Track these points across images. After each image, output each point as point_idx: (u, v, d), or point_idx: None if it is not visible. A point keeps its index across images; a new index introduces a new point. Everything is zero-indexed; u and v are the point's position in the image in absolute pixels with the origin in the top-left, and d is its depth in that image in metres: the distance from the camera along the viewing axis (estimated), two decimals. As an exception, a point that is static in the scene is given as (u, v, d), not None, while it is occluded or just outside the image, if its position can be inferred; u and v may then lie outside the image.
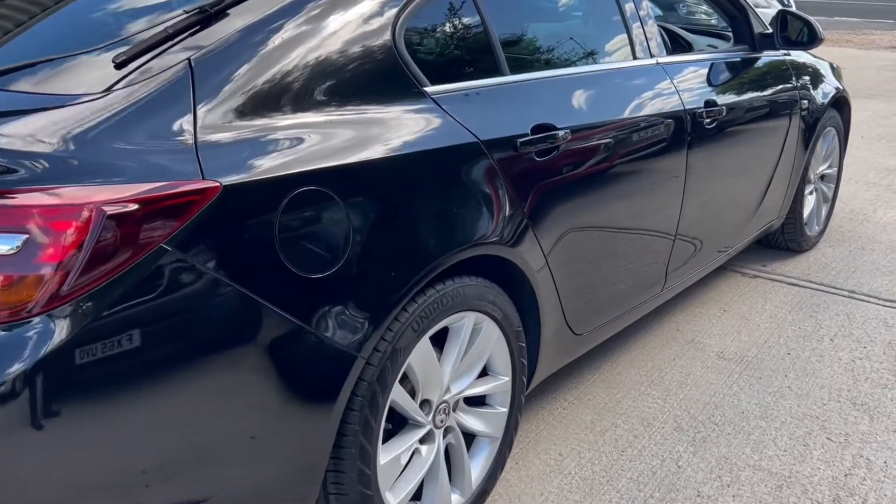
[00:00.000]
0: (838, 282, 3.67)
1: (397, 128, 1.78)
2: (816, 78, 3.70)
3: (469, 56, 2.08)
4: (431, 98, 1.87)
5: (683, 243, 2.85)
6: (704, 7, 4.04)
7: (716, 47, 3.51)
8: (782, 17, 3.23)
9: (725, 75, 3.03)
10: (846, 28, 16.02)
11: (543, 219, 2.11)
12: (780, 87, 3.34)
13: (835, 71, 4.01)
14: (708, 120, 2.75)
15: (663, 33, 3.33)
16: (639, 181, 2.46)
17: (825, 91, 3.74)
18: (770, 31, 3.29)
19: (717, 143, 2.87)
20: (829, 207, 4.17)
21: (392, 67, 1.83)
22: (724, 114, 2.85)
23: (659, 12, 3.63)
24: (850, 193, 4.98)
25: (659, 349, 3.06)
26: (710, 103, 2.78)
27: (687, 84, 2.73)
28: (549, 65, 2.32)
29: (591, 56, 2.51)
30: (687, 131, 2.64)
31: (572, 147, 2.16)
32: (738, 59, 3.19)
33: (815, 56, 4.04)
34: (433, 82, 1.90)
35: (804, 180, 3.75)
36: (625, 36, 2.57)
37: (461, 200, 1.88)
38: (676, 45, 3.56)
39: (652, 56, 2.63)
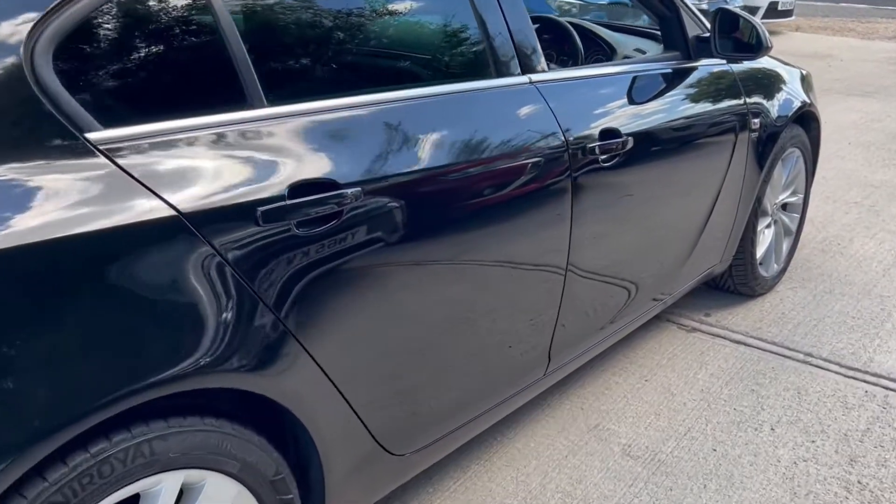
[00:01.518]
0: (794, 340, 3.00)
1: (28, 198, 1.13)
2: (774, 90, 3.01)
3: (185, 80, 1.42)
4: (98, 149, 1.22)
5: (574, 311, 2.20)
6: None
7: (647, 53, 2.84)
8: (720, 18, 2.54)
9: (642, 93, 2.35)
10: (850, 15, 15.23)
11: (319, 316, 1.46)
12: (721, 104, 2.67)
13: (803, 80, 3.32)
14: (604, 156, 2.09)
15: (574, 38, 2.68)
16: (487, 244, 1.80)
17: (786, 106, 3.06)
18: (709, 34, 2.62)
19: (622, 182, 2.20)
20: (793, 241, 3.50)
21: (28, 104, 1.17)
22: (631, 145, 2.18)
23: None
24: (825, 217, 4.31)
25: (551, 439, 2.41)
26: (608, 133, 2.11)
27: (576, 109, 2.06)
28: (335, 89, 1.64)
29: (411, 75, 1.84)
30: (569, 172, 1.98)
31: (364, 209, 1.50)
32: (665, 71, 2.51)
33: (779, 61, 3.36)
34: (107, 125, 1.24)
35: (757, 213, 3.08)
36: (481, 46, 1.90)
37: (148, 309, 1.23)
38: (598, 51, 2.89)
39: (523, 72, 1.96)
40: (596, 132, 2.08)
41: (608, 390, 2.67)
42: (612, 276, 2.31)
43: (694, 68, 2.62)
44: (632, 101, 2.29)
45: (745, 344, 2.98)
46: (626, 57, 2.83)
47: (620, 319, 2.51)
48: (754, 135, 2.86)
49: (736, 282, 3.22)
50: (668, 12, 2.58)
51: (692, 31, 2.63)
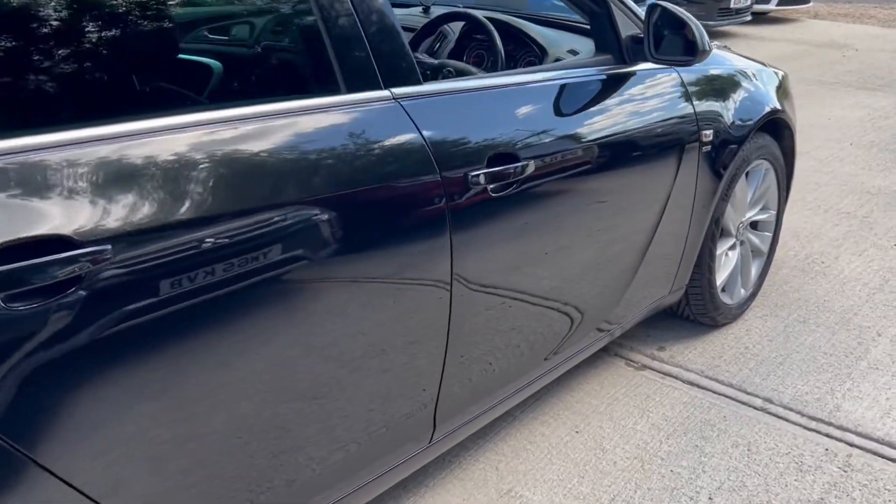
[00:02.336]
0: (754, 381, 2.65)
1: None
2: (734, 96, 2.65)
3: None
4: None
5: (464, 368, 1.86)
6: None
7: (579, 53, 2.48)
8: (653, 15, 2.18)
9: (559, 106, 2.00)
10: (874, 1, 14.62)
11: (63, 421, 1.14)
12: (661, 115, 2.31)
13: (776, 83, 2.95)
14: (495, 185, 1.74)
15: (494, 38, 2.33)
16: (334, 295, 1.47)
17: (750, 113, 2.69)
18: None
19: (523, 213, 1.86)
20: (765, 262, 3.13)
21: None
22: (532, 169, 1.83)
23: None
24: (812, 229, 3.92)
25: (452, 507, 2.08)
26: (502, 158, 1.76)
27: (457, 129, 1.71)
28: (77, 116, 1.26)
29: (218, 91, 1.51)
30: (444, 209, 1.64)
31: (114, 271, 1.17)
32: (591, 79, 2.15)
33: (753, 61, 2.99)
34: None
35: (715, 236, 2.72)
36: (317, 54, 1.56)
37: None
38: (529, 53, 2.54)
39: (386, 86, 1.62)
40: (484, 157, 1.73)
41: (531, 444, 2.33)
42: (513, 326, 1.97)
43: (628, 74, 2.26)
44: (544, 117, 1.94)
45: (698, 386, 2.63)
46: (557, 59, 2.47)
47: (540, 368, 2.17)
48: (706, 149, 2.50)
49: (694, 311, 2.87)
50: (597, 7, 2.22)
51: (627, 30, 2.27)
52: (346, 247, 1.47)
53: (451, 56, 2.66)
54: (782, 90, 3.00)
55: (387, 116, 1.59)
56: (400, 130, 1.59)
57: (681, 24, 2.12)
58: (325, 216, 1.43)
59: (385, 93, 1.61)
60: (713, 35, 10.04)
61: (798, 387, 2.62)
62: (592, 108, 2.11)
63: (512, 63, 2.58)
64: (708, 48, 2.12)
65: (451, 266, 1.68)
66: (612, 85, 2.20)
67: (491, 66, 2.39)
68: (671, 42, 2.17)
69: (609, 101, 2.17)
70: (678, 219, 2.48)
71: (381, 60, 1.61)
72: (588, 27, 2.41)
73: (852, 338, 2.92)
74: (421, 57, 2.50)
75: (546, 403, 2.50)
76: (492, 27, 2.37)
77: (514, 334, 1.99)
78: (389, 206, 1.54)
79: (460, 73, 2.38)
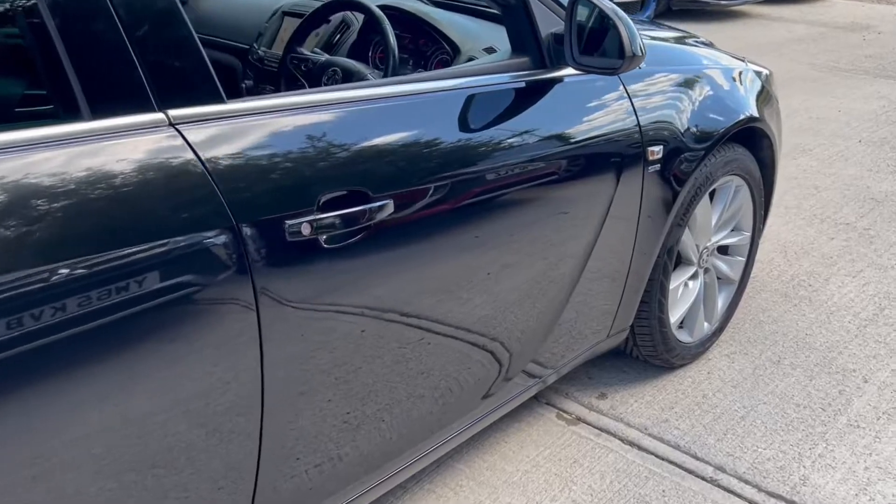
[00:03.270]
0: (707, 442, 2.23)
1: None
2: (695, 104, 2.20)
3: None
4: None
5: (284, 460, 1.47)
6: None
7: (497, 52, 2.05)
8: (580, 9, 1.73)
9: (444, 125, 1.58)
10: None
11: None
12: (591, 132, 1.88)
13: (755, 86, 2.50)
14: (330, 234, 1.33)
15: (387, 35, 1.92)
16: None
17: (715, 124, 2.25)
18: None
19: (372, 263, 1.45)
20: (735, 292, 2.70)
21: None
22: (391, 210, 1.42)
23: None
24: (803, 244, 3.47)
25: None
26: (344, 199, 1.35)
27: (279, 163, 1.30)
28: None
29: None
30: (246, 273, 1.23)
31: None
32: (497, 89, 1.72)
33: (729, 57, 2.54)
34: None
35: (667, 268, 2.29)
36: (57, 65, 1.15)
37: None
38: (440, 51, 2.12)
39: (160, 107, 1.20)
40: (316, 198, 1.32)
41: (424, 523, 1.94)
42: (365, 404, 1.56)
43: (550, 82, 1.82)
44: (424, 139, 1.52)
45: (639, 447, 2.21)
46: (470, 59, 2.04)
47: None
48: (653, 168, 2.06)
49: (643, 352, 2.45)
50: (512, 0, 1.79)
51: (550, 25, 1.83)
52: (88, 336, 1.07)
53: (353, 51, 2.24)
54: (764, 94, 2.55)
55: (156, 149, 1.18)
56: (175, 167, 1.18)
57: (606, 23, 1.69)
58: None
59: (157, 116, 1.20)
60: (727, 15, 9.46)
61: (759, 450, 2.20)
62: (497, 127, 1.68)
63: (422, 63, 2.15)
64: (639, 53, 1.68)
65: (259, 346, 1.28)
66: (526, 96, 1.77)
67: (397, 67, 1.97)
68: (597, 44, 1.73)
69: (518, 118, 1.74)
70: (615, 253, 2.06)
71: (154, 73, 1.20)
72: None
73: (833, 384, 2.49)
74: (305, 53, 2.09)
75: (448, 470, 2.10)
76: (382, 19, 1.94)
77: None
78: (153, 278, 1.14)
79: (349, 76, 1.96)
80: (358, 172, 1.39)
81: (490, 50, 2.03)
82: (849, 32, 8.95)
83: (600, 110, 1.94)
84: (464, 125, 1.61)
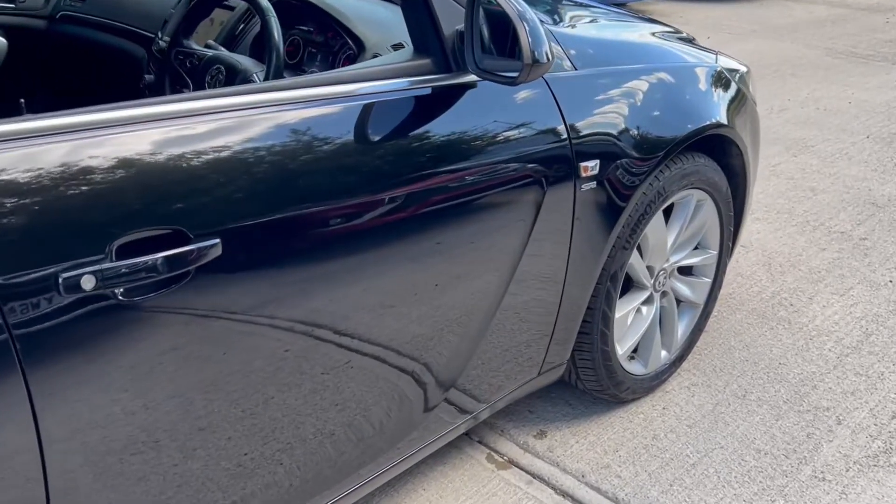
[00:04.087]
0: (649, 496, 1.97)
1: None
2: (642, 110, 1.92)
3: None
4: None
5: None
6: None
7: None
8: (478, 6, 1.45)
9: (312, 143, 1.32)
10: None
11: None
12: (507, 147, 1.61)
13: (734, 87, 2.22)
14: (124, 288, 1.09)
15: (270, 26, 1.67)
16: None
17: (669, 131, 1.97)
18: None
19: (184, 321, 1.20)
20: (700, 316, 2.42)
21: None
22: (218, 254, 1.17)
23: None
24: (792, 254, 3.17)
25: None
26: (158, 242, 1.11)
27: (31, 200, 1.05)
28: None
29: None
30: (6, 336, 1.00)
31: None
32: (391, 97, 1.46)
33: (700, 51, 2.27)
34: None
35: (607, 297, 2.02)
36: None
37: None
38: (343, 46, 1.86)
39: None
40: (111, 241, 1.07)
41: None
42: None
43: (457, 87, 1.55)
44: (278, 156, 1.26)
45: (573, 498, 1.96)
46: (376, 56, 1.76)
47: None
48: (588, 186, 1.79)
49: (587, 386, 2.19)
50: (408, -12, 1.52)
51: (456, 22, 1.56)
52: None
53: (257, 42, 1.97)
54: (738, 96, 2.26)
55: None
56: None
57: (506, 23, 1.41)
58: None
59: None
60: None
61: (706, 508, 1.94)
62: (388, 142, 1.42)
63: (330, 59, 1.88)
64: (545, 59, 1.40)
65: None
66: (428, 105, 1.50)
67: (281, 69, 1.69)
68: (500, 47, 1.46)
69: (418, 130, 1.47)
70: (542, 281, 1.80)
71: None
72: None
73: (801, 426, 2.22)
74: (192, 46, 1.83)
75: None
76: (267, 10, 1.67)
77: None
78: None
79: (233, 75, 1.70)
80: (176, 205, 1.14)
81: (399, 47, 1.76)
82: (872, 14, 8.51)
83: (519, 121, 1.67)
84: (345, 140, 1.35)
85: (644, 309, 2.22)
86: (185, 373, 1.20)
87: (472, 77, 1.58)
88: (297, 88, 1.35)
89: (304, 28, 1.92)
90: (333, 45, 1.86)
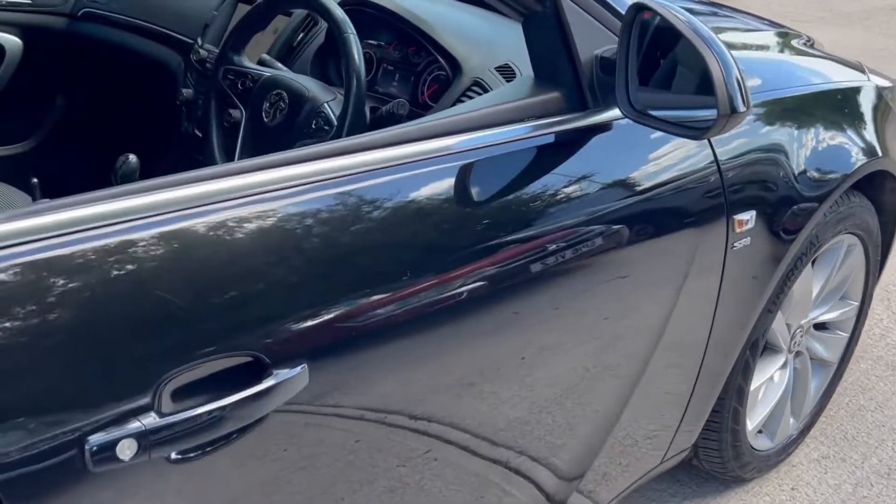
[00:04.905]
0: None
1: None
2: (800, 146, 1.53)
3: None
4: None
5: None
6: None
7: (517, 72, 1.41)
8: (644, 28, 1.08)
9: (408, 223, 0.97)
10: None
11: None
12: (644, 200, 1.25)
13: (877, 105, 1.82)
14: (185, 447, 0.75)
15: (351, 50, 1.31)
16: None
17: (831, 171, 1.59)
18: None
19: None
20: (833, 375, 2.04)
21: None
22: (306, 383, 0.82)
23: None
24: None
25: None
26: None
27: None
28: None
29: None
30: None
31: None
32: (513, 149, 1.10)
33: (838, 64, 1.87)
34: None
35: (744, 368, 1.65)
36: None
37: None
38: (434, 66, 1.49)
39: None
40: (156, 390, 0.74)
41: None
42: None
43: (591, 130, 1.19)
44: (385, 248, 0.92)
45: None
46: (475, 84, 1.38)
47: None
48: (741, 243, 1.42)
49: (707, 465, 1.83)
50: (535, 3, 1.14)
51: (595, 42, 1.18)
52: None
53: (322, 58, 1.60)
54: (882, 115, 1.86)
55: None
56: None
57: (689, 54, 1.03)
58: None
59: None
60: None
61: None
62: (508, 198, 1.07)
63: (412, 78, 1.51)
64: (743, 106, 1.01)
65: None
66: (554, 155, 1.15)
67: (362, 99, 1.32)
68: (677, 83, 1.09)
69: (539, 184, 1.12)
70: (677, 355, 1.45)
71: None
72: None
73: (964, 518, 1.84)
74: (244, 65, 1.45)
75: None
76: (342, 24, 1.28)
77: None
78: None
79: (299, 104, 1.34)
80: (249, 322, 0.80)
81: (506, 70, 1.38)
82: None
83: (662, 167, 1.30)
84: (449, 208, 1.00)
85: (777, 375, 1.85)
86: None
87: (609, 115, 1.22)
88: (395, 146, 0.99)
89: (376, 42, 1.55)
90: (417, 64, 1.49)
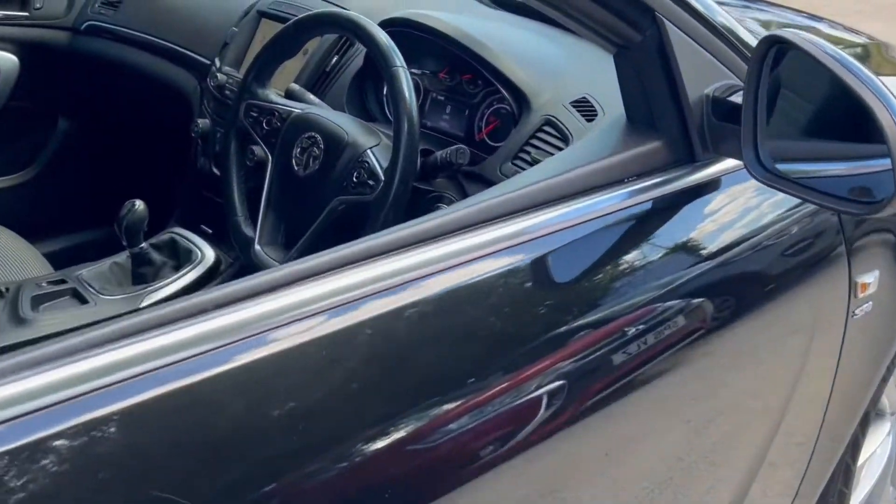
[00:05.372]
0: None
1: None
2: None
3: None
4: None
5: None
6: None
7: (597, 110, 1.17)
8: (787, 64, 0.84)
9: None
10: None
11: None
12: (755, 262, 1.03)
13: None
14: None
15: (402, 88, 1.09)
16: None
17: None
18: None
19: None
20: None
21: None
22: None
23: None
24: None
25: None
26: None
27: None
28: None
29: None
30: None
31: None
32: (606, 223, 0.86)
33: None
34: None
35: (853, 445, 1.42)
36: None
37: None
38: (495, 99, 1.26)
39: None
40: None
41: None
42: None
43: (699, 189, 0.96)
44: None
45: None
46: (548, 123, 1.14)
47: None
48: (863, 308, 1.19)
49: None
50: (635, 31, 0.90)
51: (708, 77, 0.95)
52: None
53: (358, 84, 1.37)
54: None
55: None
56: None
57: (848, 97, 0.79)
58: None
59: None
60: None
61: None
62: (602, 275, 0.85)
63: (465, 110, 1.27)
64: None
65: None
66: (652, 221, 0.92)
67: (415, 147, 1.08)
68: (820, 131, 0.86)
69: (635, 254, 0.90)
70: (790, 443, 1.21)
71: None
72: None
73: None
74: (270, 100, 1.21)
75: None
76: (389, 52, 1.04)
77: None
78: None
79: (337, 150, 1.11)
80: None
81: (583, 105, 1.14)
82: None
83: (780, 224, 1.07)
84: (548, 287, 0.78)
85: (882, 444, 1.61)
86: None
87: (720, 167, 0.98)
88: (461, 235, 0.76)
89: (420, 71, 1.31)
90: (473, 94, 1.25)
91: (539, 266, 0.81)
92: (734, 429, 1.12)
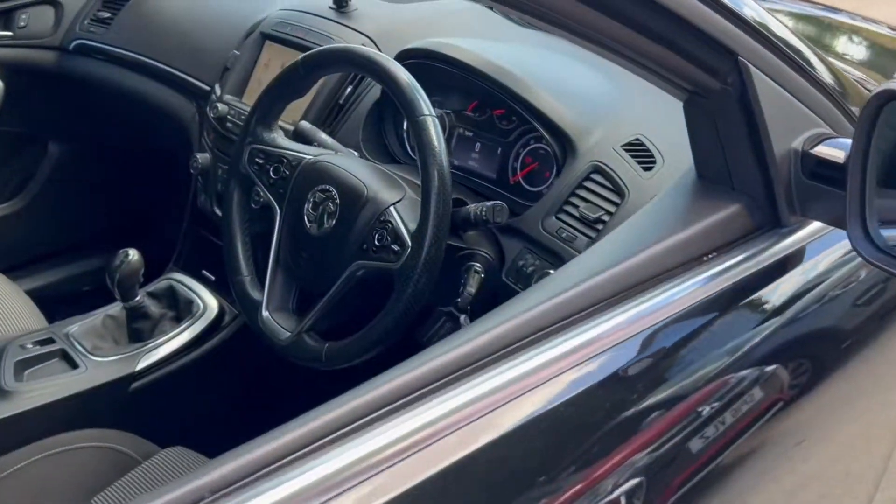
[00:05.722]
0: None
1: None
2: None
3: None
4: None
5: None
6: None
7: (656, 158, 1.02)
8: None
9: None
10: None
11: None
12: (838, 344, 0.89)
13: None
14: None
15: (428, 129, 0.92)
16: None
17: None
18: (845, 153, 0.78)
19: None
20: None
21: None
22: None
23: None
24: None
25: None
26: None
27: None
28: None
29: None
30: None
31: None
32: (678, 314, 0.72)
33: None
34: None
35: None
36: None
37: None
38: (538, 145, 1.11)
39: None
40: None
41: None
42: None
43: (784, 263, 0.81)
44: None
45: None
46: (596, 170, 0.99)
47: None
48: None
49: None
50: (713, 78, 0.76)
51: (799, 127, 0.80)
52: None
53: (377, 118, 1.22)
54: None
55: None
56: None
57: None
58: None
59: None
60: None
61: None
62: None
63: (498, 148, 1.12)
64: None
65: None
66: (740, 306, 0.78)
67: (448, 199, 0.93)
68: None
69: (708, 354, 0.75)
70: None
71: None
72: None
73: None
74: (276, 144, 1.06)
75: None
76: (406, 83, 0.90)
77: None
78: None
79: (355, 204, 0.97)
80: None
81: (637, 149, 0.99)
82: None
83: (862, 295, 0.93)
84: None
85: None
86: None
87: (807, 232, 0.84)
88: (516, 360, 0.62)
89: (445, 108, 1.15)
90: (507, 132, 1.10)
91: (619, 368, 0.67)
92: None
